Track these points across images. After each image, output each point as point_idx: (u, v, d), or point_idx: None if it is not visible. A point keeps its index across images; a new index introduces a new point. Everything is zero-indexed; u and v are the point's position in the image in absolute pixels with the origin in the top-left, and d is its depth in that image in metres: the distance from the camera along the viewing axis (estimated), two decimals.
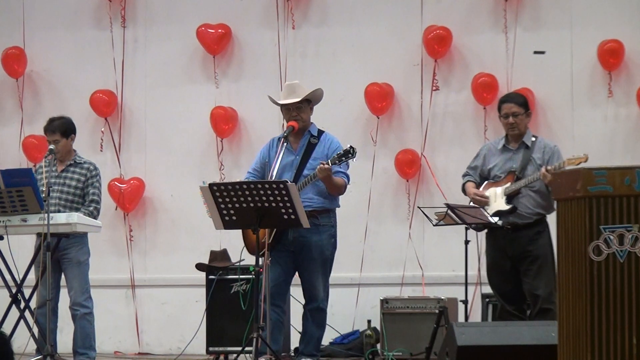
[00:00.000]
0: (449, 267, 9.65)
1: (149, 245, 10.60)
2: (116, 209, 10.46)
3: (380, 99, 10.11)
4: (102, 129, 10.61)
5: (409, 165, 10.06)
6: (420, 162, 10.08)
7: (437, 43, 9.99)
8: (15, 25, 10.80)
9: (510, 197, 7.99)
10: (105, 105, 10.58)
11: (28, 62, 10.76)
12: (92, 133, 10.64)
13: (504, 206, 7.98)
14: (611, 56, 9.69)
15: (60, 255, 8.27)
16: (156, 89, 10.67)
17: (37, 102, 10.82)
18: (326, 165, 7.71)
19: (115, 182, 10.47)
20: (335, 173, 7.83)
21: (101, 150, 10.58)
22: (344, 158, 7.76)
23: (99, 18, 10.74)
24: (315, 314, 8.00)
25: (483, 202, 8.06)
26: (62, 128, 8.43)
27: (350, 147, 7.78)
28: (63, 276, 8.40)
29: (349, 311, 10.01)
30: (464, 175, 8.33)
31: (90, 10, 10.79)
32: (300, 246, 7.89)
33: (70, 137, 8.47)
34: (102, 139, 10.61)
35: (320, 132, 8.12)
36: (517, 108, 8.09)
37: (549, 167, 7.78)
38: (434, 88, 10.04)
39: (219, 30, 10.40)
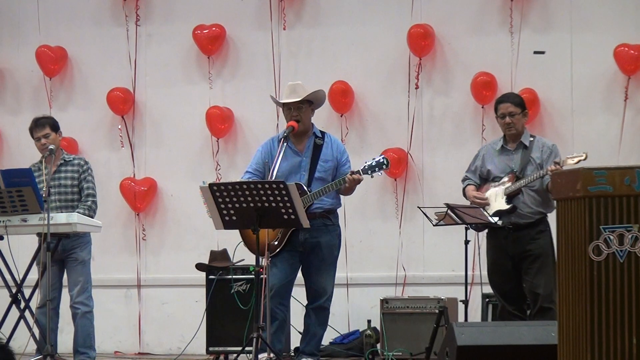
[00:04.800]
0: (449, 267, 9.67)
1: (148, 245, 10.61)
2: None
3: (343, 97, 10.14)
4: (120, 127, 10.64)
5: (396, 165, 10.08)
6: (407, 160, 10.10)
7: (423, 40, 10.01)
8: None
9: (510, 197, 8.00)
10: (122, 102, 10.60)
11: (59, 61, 10.81)
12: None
13: (504, 206, 7.98)
14: (629, 62, 9.66)
15: (65, 255, 8.28)
16: (157, 88, 10.69)
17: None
18: (360, 177, 7.71)
19: (130, 182, 10.54)
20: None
21: (122, 147, 10.61)
22: (377, 169, 7.76)
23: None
24: (319, 312, 8.01)
25: (483, 205, 8.07)
26: (50, 122, 8.44)
27: (384, 157, 7.79)
28: (65, 276, 8.41)
29: (345, 311, 10.03)
30: (464, 180, 8.34)
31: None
32: (310, 247, 7.90)
33: (59, 132, 8.47)
34: (121, 136, 10.63)
35: (323, 133, 8.13)
36: (513, 108, 8.09)
37: (562, 161, 7.74)
38: (415, 87, 10.06)
39: (213, 29, 10.41)
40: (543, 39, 9.92)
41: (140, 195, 10.48)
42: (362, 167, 7.79)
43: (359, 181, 7.75)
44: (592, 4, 9.93)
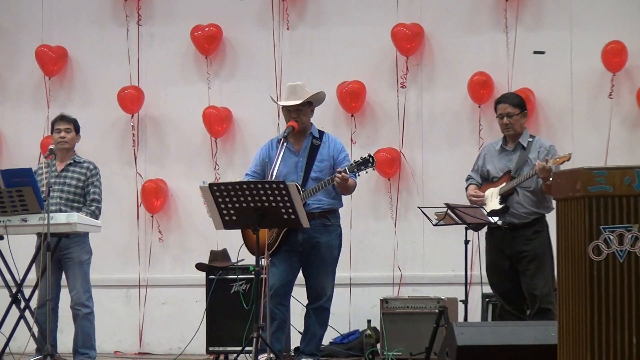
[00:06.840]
0: (449, 267, 9.67)
1: (149, 246, 10.60)
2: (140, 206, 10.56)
3: (352, 98, 10.15)
4: (132, 124, 10.63)
5: (389, 165, 10.06)
6: (400, 160, 10.11)
7: (410, 42, 10.01)
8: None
9: (504, 197, 7.99)
10: (133, 101, 10.60)
11: (59, 60, 10.79)
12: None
13: (497, 206, 7.99)
14: (615, 57, 9.67)
15: (61, 254, 8.26)
16: (157, 88, 10.69)
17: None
18: (345, 175, 7.66)
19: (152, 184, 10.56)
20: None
21: (133, 146, 10.60)
22: (362, 167, 7.73)
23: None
24: (320, 313, 8.01)
25: (479, 203, 8.07)
26: (75, 121, 8.54)
27: (369, 155, 7.75)
28: (63, 276, 8.40)
29: (345, 311, 10.03)
30: (467, 179, 8.35)
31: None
32: (310, 247, 7.90)
33: (79, 134, 8.53)
34: (133, 134, 10.64)
35: (321, 133, 8.12)
36: (511, 108, 8.09)
37: (548, 161, 7.73)
38: (402, 86, 10.06)
39: (208, 29, 10.41)
40: (538, 38, 9.92)
41: (156, 196, 10.49)
42: (348, 166, 7.77)
43: (345, 180, 7.70)
44: (588, 1, 9.92)
